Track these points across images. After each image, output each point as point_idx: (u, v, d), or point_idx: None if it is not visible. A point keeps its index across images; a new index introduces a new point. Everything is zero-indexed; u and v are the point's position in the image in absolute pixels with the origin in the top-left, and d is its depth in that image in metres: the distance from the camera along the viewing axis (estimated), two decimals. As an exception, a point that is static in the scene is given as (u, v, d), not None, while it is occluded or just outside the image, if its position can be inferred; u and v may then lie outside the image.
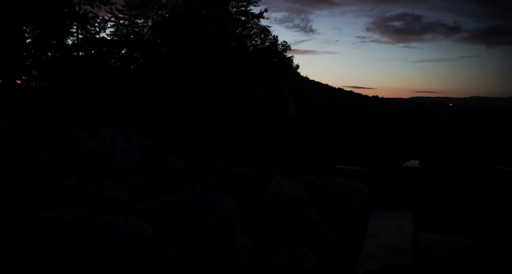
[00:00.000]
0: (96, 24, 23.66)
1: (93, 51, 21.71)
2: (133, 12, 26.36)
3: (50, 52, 19.51)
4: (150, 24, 26.69)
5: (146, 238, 1.83)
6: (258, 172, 2.88)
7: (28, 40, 18.32)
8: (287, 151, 3.24)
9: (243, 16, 26.43)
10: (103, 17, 24.06)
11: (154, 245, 1.86)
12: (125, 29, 26.16)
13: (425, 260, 3.85)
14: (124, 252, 1.77)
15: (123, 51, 24.38)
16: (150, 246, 1.83)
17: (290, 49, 29.43)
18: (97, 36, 23.46)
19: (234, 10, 26.20)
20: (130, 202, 2.22)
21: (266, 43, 27.55)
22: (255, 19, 26.72)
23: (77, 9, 20.57)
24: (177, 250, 1.99)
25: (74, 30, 21.25)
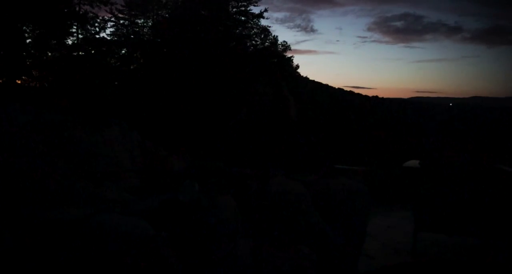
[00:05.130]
0: (96, 24, 23.68)
1: (93, 51, 21.71)
2: (133, 12, 26.39)
3: (50, 52, 19.52)
4: (150, 24, 26.72)
5: (146, 238, 1.83)
6: (258, 172, 2.88)
7: (28, 40, 18.34)
8: (287, 151, 3.24)
9: (243, 16, 26.44)
10: (103, 17, 24.09)
11: (154, 245, 1.85)
12: (125, 29, 26.19)
13: (425, 260, 3.85)
14: (124, 252, 1.77)
15: (123, 51, 24.41)
16: (150, 246, 1.83)
17: (290, 49, 29.46)
18: (97, 36, 23.49)
19: (234, 10, 26.22)
20: (130, 202, 2.22)
21: (266, 43, 27.57)
22: (255, 19, 26.75)
23: (77, 9, 20.59)
24: (177, 249, 1.99)
25: (74, 30, 21.27)
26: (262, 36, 27.57)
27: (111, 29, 25.92)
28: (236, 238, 2.27)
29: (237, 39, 24.99)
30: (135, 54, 24.25)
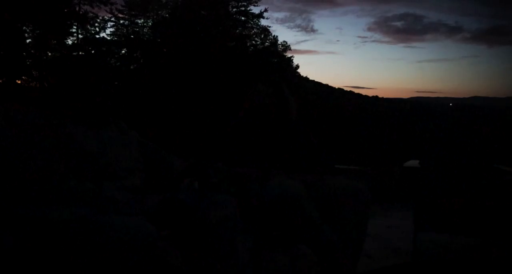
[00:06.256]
0: (96, 24, 23.71)
1: (93, 51, 21.73)
2: (133, 12, 26.42)
3: (50, 52, 19.53)
4: (150, 24, 26.75)
5: (148, 237, 1.83)
6: (258, 172, 2.88)
7: (28, 40, 18.34)
8: (287, 151, 3.24)
9: (243, 16, 26.47)
10: (103, 17, 24.12)
11: (156, 244, 1.85)
12: (125, 29, 26.22)
13: (425, 260, 3.85)
14: (125, 252, 1.77)
15: (123, 51, 24.42)
16: (152, 245, 1.83)
17: (290, 49, 29.48)
18: (97, 36, 23.50)
19: (234, 10, 26.25)
20: (130, 201, 2.22)
21: (266, 43, 27.58)
22: (255, 19, 26.79)
23: (77, 9, 20.61)
24: (178, 249, 1.99)
25: (74, 30, 21.29)
26: (262, 36, 27.59)
27: (111, 29, 25.96)
28: (236, 237, 2.27)
29: (237, 39, 24.99)
30: (135, 54, 24.26)
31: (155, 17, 26.66)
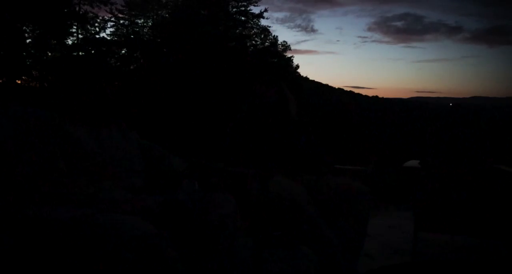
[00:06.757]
0: (96, 24, 23.64)
1: (93, 51, 21.69)
2: (133, 12, 26.37)
3: (50, 52, 19.49)
4: (150, 24, 26.72)
5: (147, 237, 1.84)
6: (258, 172, 2.88)
7: (28, 40, 18.29)
8: (287, 151, 3.25)
9: (243, 16, 26.39)
10: (103, 17, 24.04)
11: (155, 244, 1.86)
12: (125, 29, 26.16)
13: (425, 260, 3.85)
14: (125, 251, 1.77)
15: (123, 51, 24.37)
16: (151, 245, 1.84)
17: (290, 49, 29.39)
18: (97, 36, 23.45)
19: (234, 10, 26.18)
20: (130, 201, 2.22)
21: (266, 43, 27.51)
22: (255, 19, 26.69)
23: (77, 9, 20.55)
24: (177, 248, 1.99)
25: (74, 30, 21.24)
26: (262, 36, 27.49)
27: (111, 29, 25.88)
28: (236, 237, 2.27)
29: (237, 39, 24.94)
30: (135, 54, 24.21)
31: (155, 17, 26.60)
